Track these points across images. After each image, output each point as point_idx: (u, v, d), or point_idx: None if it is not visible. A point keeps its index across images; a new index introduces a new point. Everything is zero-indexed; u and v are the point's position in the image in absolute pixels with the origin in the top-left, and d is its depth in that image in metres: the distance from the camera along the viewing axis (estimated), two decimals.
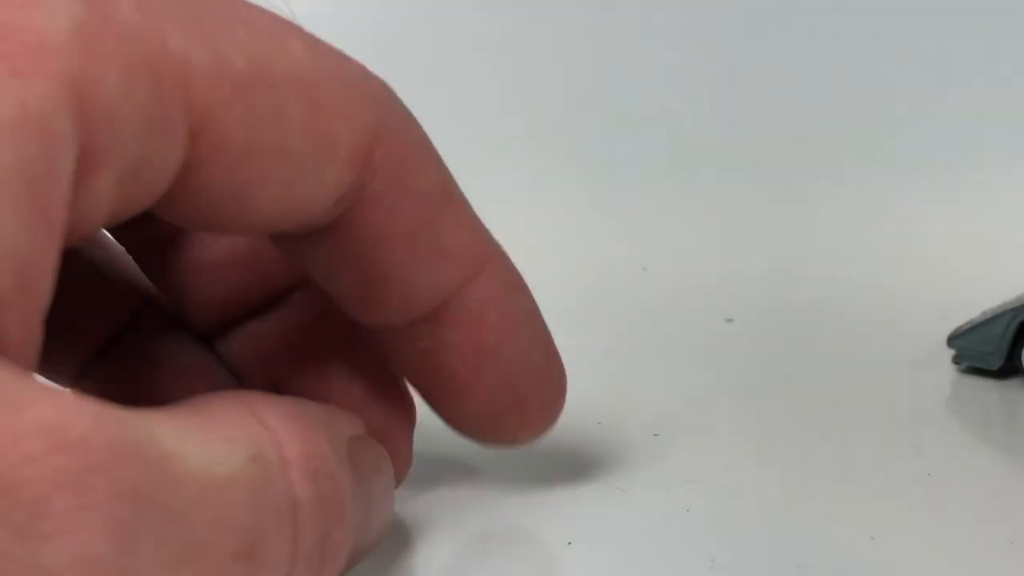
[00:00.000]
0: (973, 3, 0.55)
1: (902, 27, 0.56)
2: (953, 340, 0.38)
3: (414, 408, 0.29)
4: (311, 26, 0.24)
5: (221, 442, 0.19)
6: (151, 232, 0.27)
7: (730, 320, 0.47)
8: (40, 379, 0.19)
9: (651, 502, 0.29)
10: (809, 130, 0.55)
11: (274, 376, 0.28)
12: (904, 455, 0.32)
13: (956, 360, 0.39)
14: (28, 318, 0.17)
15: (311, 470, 0.20)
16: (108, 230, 0.28)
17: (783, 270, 0.53)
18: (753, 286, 0.51)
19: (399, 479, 0.28)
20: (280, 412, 0.21)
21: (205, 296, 0.28)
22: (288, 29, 0.23)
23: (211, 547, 0.18)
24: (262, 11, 0.22)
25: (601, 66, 0.57)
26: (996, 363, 0.37)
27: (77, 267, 0.27)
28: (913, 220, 0.54)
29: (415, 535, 0.28)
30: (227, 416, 0.20)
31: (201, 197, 0.21)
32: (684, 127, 0.55)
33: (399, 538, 0.28)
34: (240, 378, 0.29)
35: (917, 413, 0.36)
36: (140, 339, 0.28)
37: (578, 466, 0.31)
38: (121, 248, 0.28)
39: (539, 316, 0.28)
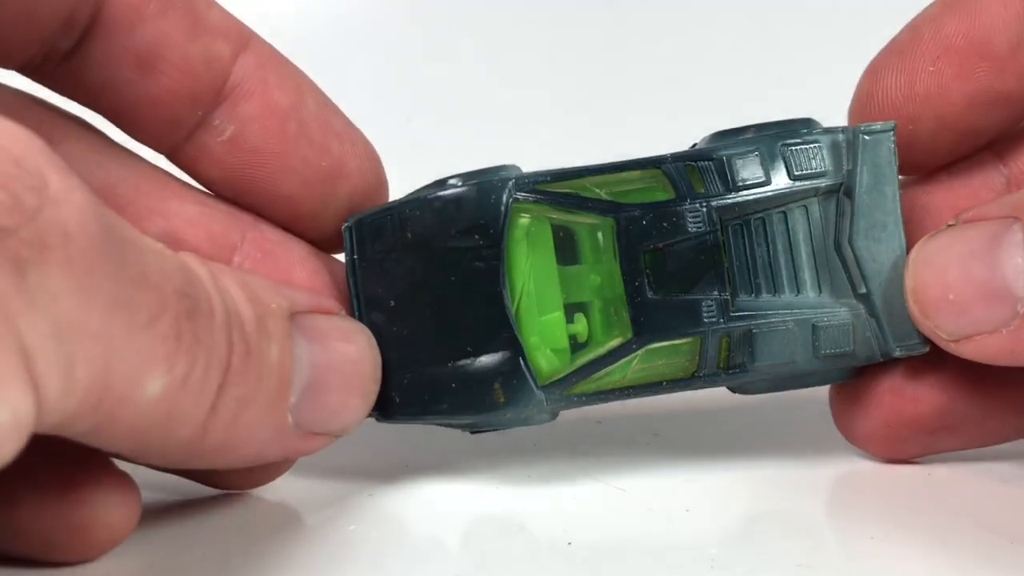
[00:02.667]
0: None
1: None
2: None
3: None
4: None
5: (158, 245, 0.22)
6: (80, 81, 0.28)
7: None
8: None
9: (651, 502, 0.29)
10: None
11: (239, 186, 0.29)
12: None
13: None
14: None
15: (230, 296, 0.23)
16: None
17: None
18: None
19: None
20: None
21: (147, 102, 0.28)
22: None
23: (157, 282, 0.21)
24: None
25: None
26: None
27: None
28: None
29: (415, 535, 0.28)
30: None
31: None
32: None
33: (399, 537, 0.28)
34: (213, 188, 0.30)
35: None
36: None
37: (578, 466, 0.31)
38: None
39: (320, 88, 0.30)
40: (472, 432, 0.29)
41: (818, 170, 0.29)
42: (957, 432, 0.30)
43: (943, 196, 0.31)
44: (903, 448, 0.30)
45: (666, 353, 0.29)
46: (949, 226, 0.27)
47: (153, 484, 0.29)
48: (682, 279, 0.29)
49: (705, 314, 0.28)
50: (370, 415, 0.28)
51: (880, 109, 0.30)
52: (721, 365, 0.29)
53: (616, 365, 0.28)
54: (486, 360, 0.28)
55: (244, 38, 0.28)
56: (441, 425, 0.30)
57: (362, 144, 0.30)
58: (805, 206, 0.29)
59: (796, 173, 0.29)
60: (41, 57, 0.27)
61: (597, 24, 0.58)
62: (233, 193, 0.29)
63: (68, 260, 0.19)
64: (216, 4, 0.28)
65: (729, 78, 0.55)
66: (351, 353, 0.27)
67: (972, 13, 0.29)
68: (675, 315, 0.28)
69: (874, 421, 0.30)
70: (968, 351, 0.27)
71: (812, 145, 0.29)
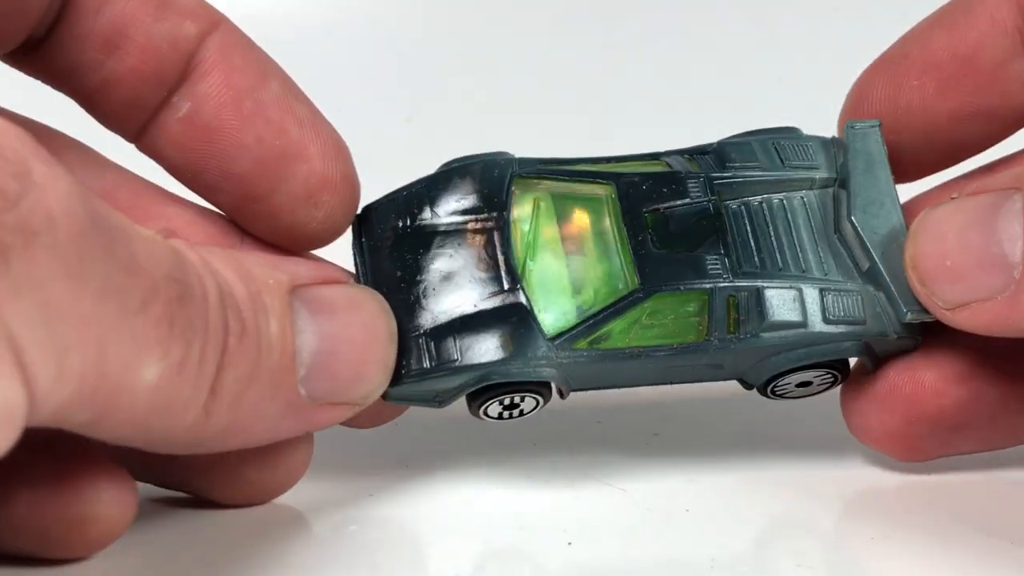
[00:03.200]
0: None
1: None
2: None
3: None
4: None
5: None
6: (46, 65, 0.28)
7: None
8: None
9: (651, 502, 0.29)
10: None
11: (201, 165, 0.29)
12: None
13: None
14: None
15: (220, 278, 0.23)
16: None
17: None
18: None
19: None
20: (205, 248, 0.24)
21: (114, 82, 0.28)
22: None
23: (147, 268, 0.21)
24: None
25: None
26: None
27: None
28: None
29: (415, 535, 0.28)
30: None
31: None
32: None
33: (399, 537, 0.28)
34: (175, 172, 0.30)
35: None
36: None
37: (578, 466, 0.31)
38: None
39: (291, 79, 0.29)
40: (476, 405, 0.29)
41: (810, 162, 0.30)
42: (975, 431, 0.29)
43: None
44: (921, 447, 0.30)
45: (673, 310, 0.28)
46: (952, 199, 0.27)
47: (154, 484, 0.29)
48: (685, 239, 0.29)
49: (711, 268, 0.29)
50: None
51: (865, 116, 0.30)
52: (731, 330, 0.28)
53: (624, 317, 0.28)
54: (493, 312, 0.28)
55: (213, 21, 0.28)
56: (438, 398, 0.29)
57: (328, 133, 0.29)
58: (803, 196, 0.30)
59: (789, 162, 0.30)
60: (23, 44, 0.27)
61: (598, 24, 0.58)
62: (189, 174, 0.29)
63: (55, 245, 0.19)
64: None
65: (731, 78, 0.55)
66: (361, 319, 0.27)
67: (960, 29, 0.29)
68: (681, 267, 0.29)
69: (894, 417, 0.29)
70: (963, 319, 0.26)
71: (803, 142, 0.30)
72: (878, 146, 0.29)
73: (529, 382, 0.28)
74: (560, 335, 0.28)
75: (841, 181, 0.30)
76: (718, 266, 0.29)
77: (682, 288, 0.28)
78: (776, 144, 0.30)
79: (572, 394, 0.29)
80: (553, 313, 0.28)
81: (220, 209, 0.30)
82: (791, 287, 0.29)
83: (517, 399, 0.29)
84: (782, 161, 0.30)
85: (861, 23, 0.55)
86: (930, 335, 0.29)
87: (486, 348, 0.28)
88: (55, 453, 0.25)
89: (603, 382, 0.29)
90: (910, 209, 0.29)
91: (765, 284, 0.29)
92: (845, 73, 0.32)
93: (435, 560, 0.27)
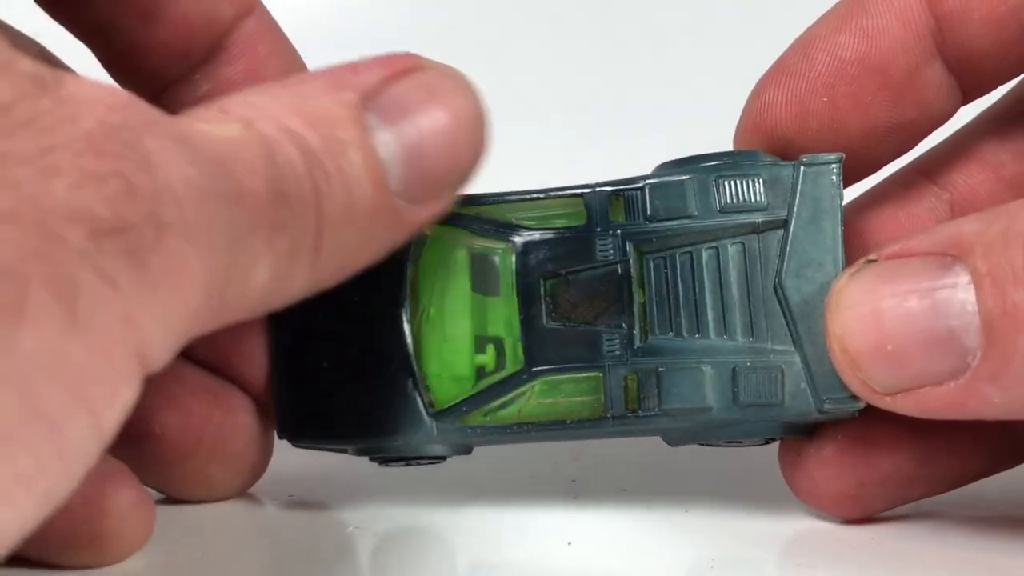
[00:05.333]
0: None
1: None
2: None
3: None
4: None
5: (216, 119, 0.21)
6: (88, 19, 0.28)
7: None
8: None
9: (651, 502, 0.29)
10: None
11: None
12: None
13: None
14: None
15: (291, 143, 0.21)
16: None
17: None
18: None
19: None
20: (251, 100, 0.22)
21: (152, 41, 0.28)
22: None
23: (252, 186, 0.19)
24: None
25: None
26: None
27: None
28: None
29: (415, 535, 0.28)
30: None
31: None
32: None
33: (399, 537, 0.28)
34: None
35: None
36: None
37: (579, 466, 0.31)
38: None
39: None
40: (378, 462, 0.28)
41: (752, 203, 0.27)
42: (928, 479, 0.28)
43: (888, 228, 0.29)
44: (874, 505, 0.28)
45: (567, 389, 0.27)
46: (869, 261, 0.24)
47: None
48: (584, 310, 0.27)
49: (606, 347, 0.27)
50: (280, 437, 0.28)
51: (769, 138, 0.28)
52: (630, 407, 0.27)
53: (509, 396, 0.27)
54: (379, 384, 0.27)
55: (248, 5, 0.28)
56: (344, 450, 0.29)
57: None
58: (742, 243, 0.27)
59: (724, 205, 0.27)
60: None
61: (598, 24, 0.58)
62: None
63: (185, 226, 0.18)
64: None
65: (728, 82, 0.55)
66: (443, 107, 0.24)
67: (868, 34, 0.27)
68: (571, 346, 0.27)
69: (846, 480, 0.27)
70: (906, 405, 0.24)
71: (750, 178, 0.27)
72: (831, 189, 0.26)
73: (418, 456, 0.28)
74: (447, 410, 0.27)
75: (785, 225, 0.27)
76: (615, 344, 0.27)
77: (570, 370, 0.27)
78: (717, 180, 0.27)
79: None
80: (445, 381, 0.27)
81: None
82: (696, 366, 0.26)
83: (412, 461, 0.28)
84: (720, 203, 0.27)
85: None
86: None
87: (371, 423, 0.27)
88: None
89: (499, 444, 0.28)
90: (852, 257, 0.26)
91: (666, 364, 0.26)
92: None
93: (435, 560, 0.27)
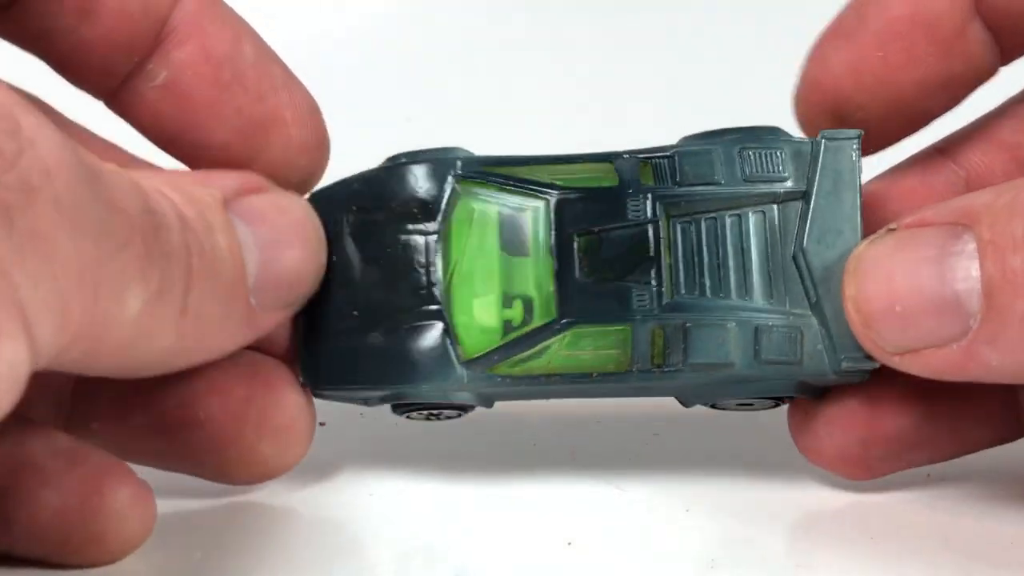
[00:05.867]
0: None
1: None
2: None
3: None
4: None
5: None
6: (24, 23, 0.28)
7: None
8: None
9: (651, 502, 0.29)
10: None
11: (173, 129, 0.29)
12: None
13: None
14: None
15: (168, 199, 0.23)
16: None
17: None
18: None
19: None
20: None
21: (92, 45, 0.28)
22: None
23: (126, 205, 0.21)
24: None
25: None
26: None
27: None
28: None
29: (414, 535, 0.28)
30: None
31: None
32: None
33: (399, 537, 0.28)
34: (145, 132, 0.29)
35: None
36: None
37: (578, 466, 0.31)
38: None
39: (261, 38, 0.29)
40: (399, 412, 0.29)
41: (775, 174, 0.28)
42: (930, 445, 0.29)
43: (908, 201, 0.30)
44: (876, 466, 0.29)
45: (594, 341, 0.28)
46: (890, 230, 0.26)
47: (153, 485, 0.29)
48: (616, 266, 0.28)
49: (636, 302, 0.28)
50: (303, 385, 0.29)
51: (827, 95, 0.29)
52: (656, 361, 0.27)
53: (539, 347, 0.28)
54: (409, 331, 0.28)
55: None
56: (365, 401, 0.29)
57: (301, 94, 0.29)
58: (763, 211, 0.28)
59: (749, 174, 0.28)
60: None
61: (598, 25, 0.58)
62: (166, 140, 0.29)
63: (55, 197, 0.19)
64: None
65: (728, 75, 0.55)
66: (292, 224, 0.27)
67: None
68: (602, 299, 0.28)
69: (849, 439, 0.28)
70: (913, 365, 0.25)
71: (773, 150, 0.28)
72: (851, 163, 0.28)
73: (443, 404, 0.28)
74: (477, 359, 0.28)
75: (807, 196, 0.28)
76: (645, 299, 0.28)
77: (601, 322, 0.27)
78: (742, 152, 0.28)
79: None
80: (474, 332, 0.28)
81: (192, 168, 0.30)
82: (722, 324, 0.27)
83: (436, 413, 0.29)
84: (744, 173, 0.28)
85: None
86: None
87: (401, 369, 0.28)
88: (83, 466, 0.25)
89: (524, 399, 0.29)
90: (871, 229, 0.27)
91: (693, 320, 0.27)
92: None
93: (435, 560, 0.27)
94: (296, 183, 0.29)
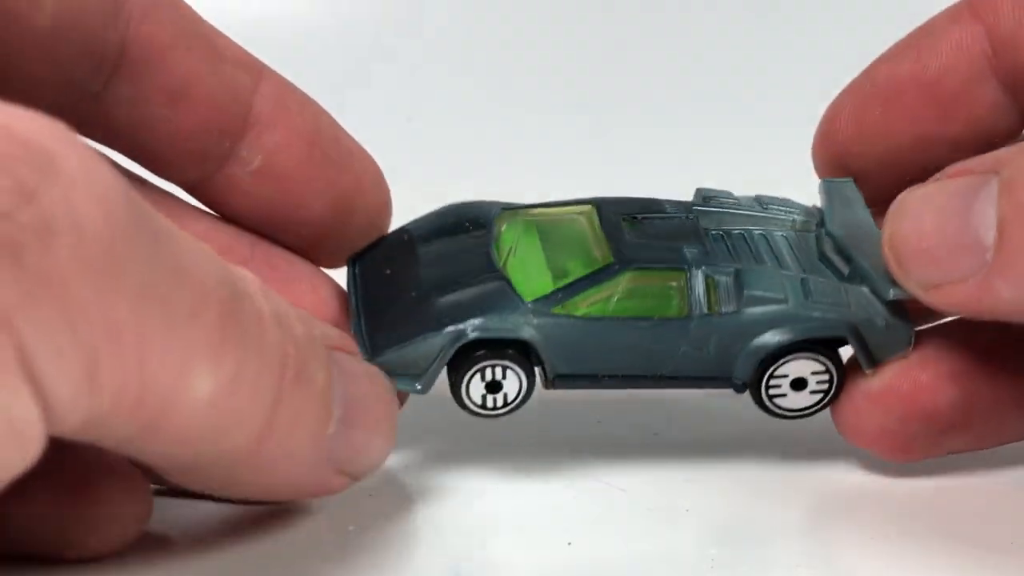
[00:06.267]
0: None
1: None
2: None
3: None
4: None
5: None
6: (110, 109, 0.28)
7: None
8: None
9: (651, 502, 0.29)
10: None
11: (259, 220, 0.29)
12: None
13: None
14: None
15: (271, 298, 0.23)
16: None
17: None
18: None
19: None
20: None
21: (177, 136, 0.28)
22: None
23: (198, 273, 0.20)
24: None
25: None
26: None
27: None
28: None
29: (415, 535, 0.28)
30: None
31: None
32: None
33: (399, 537, 0.28)
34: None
35: None
36: None
37: (578, 466, 0.31)
38: None
39: (326, 110, 0.30)
40: (455, 377, 0.29)
41: (790, 209, 0.31)
42: (967, 430, 0.29)
43: None
44: (914, 447, 0.29)
45: (651, 285, 0.29)
46: (934, 180, 0.27)
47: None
48: (664, 236, 0.30)
49: (688, 253, 0.29)
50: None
51: (834, 145, 0.31)
52: (712, 308, 0.29)
53: (600, 287, 0.29)
54: (473, 285, 0.29)
55: (259, 68, 0.29)
56: (426, 365, 0.28)
57: (370, 159, 0.30)
58: (783, 235, 0.31)
59: (767, 206, 0.31)
60: (71, 99, 0.27)
61: (599, 23, 0.58)
62: (261, 221, 0.29)
63: (80, 245, 0.18)
64: (228, 37, 0.28)
65: (729, 88, 0.55)
66: (378, 393, 0.26)
67: (925, 55, 0.29)
68: (656, 250, 0.29)
69: (889, 416, 0.29)
70: (937, 299, 0.27)
71: (785, 200, 0.32)
72: (855, 192, 0.30)
73: (507, 342, 0.28)
74: (540, 299, 0.28)
75: (820, 222, 0.30)
76: (696, 251, 0.29)
77: (658, 265, 0.29)
78: (758, 197, 0.32)
79: (572, 394, 0.29)
80: (531, 285, 0.29)
81: (283, 243, 0.30)
82: (771, 268, 0.29)
83: (499, 374, 0.29)
84: (762, 206, 0.31)
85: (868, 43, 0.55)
86: (924, 336, 0.29)
87: (462, 311, 0.28)
88: (74, 455, 0.25)
89: (585, 364, 0.29)
90: None
91: (745, 267, 0.29)
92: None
93: (435, 560, 0.27)
94: (365, 238, 0.30)
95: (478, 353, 0.28)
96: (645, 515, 0.29)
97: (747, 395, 0.30)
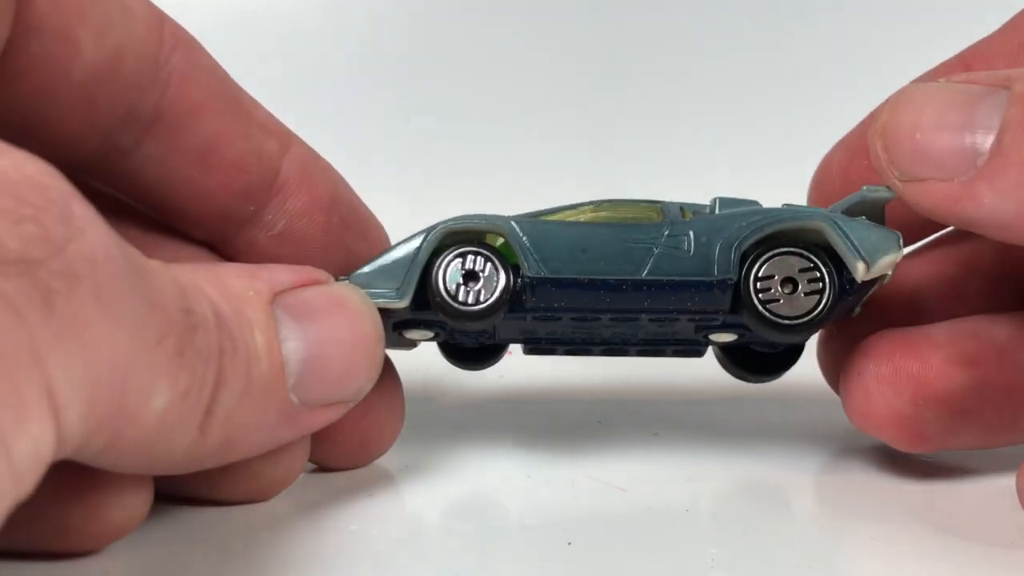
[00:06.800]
0: None
1: None
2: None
3: None
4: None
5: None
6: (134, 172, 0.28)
7: None
8: None
9: (651, 502, 0.29)
10: None
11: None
12: (907, 456, 0.32)
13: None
14: None
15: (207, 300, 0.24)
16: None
17: None
18: None
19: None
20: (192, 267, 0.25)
21: (202, 194, 0.28)
22: None
23: (165, 302, 0.21)
24: None
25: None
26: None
27: None
28: None
29: (415, 535, 0.28)
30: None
31: (33, 38, 0.24)
32: None
33: (399, 537, 0.28)
34: None
35: None
36: None
37: (578, 466, 0.31)
38: None
39: (343, 177, 0.31)
40: (436, 262, 0.29)
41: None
42: (980, 420, 0.29)
43: None
44: (926, 434, 0.29)
45: (629, 211, 0.29)
46: (942, 81, 0.27)
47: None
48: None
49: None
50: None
51: (826, 191, 0.33)
52: (687, 216, 0.29)
53: (578, 208, 0.30)
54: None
55: (287, 135, 0.29)
56: (404, 270, 0.29)
57: (381, 226, 0.31)
58: None
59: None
60: (101, 153, 0.27)
61: (599, 22, 0.58)
62: None
63: (97, 288, 0.19)
64: (259, 103, 0.29)
65: (733, 81, 0.55)
66: (345, 319, 0.27)
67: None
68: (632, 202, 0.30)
69: (900, 398, 0.29)
70: (913, 193, 0.27)
71: None
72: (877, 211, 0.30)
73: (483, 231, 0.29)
74: (517, 216, 0.29)
75: None
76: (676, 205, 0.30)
77: (633, 201, 0.30)
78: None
79: (572, 395, 0.29)
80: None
81: None
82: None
83: (479, 265, 0.28)
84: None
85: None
86: (935, 323, 0.29)
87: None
88: None
89: (561, 264, 0.28)
90: None
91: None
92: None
93: (435, 560, 0.27)
94: None
95: (458, 245, 0.28)
96: (645, 515, 0.29)
97: (747, 395, 0.30)
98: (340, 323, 0.26)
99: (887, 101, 0.28)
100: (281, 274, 0.26)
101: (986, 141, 0.26)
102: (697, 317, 0.29)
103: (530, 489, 0.30)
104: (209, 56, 0.28)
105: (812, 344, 0.32)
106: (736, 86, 0.57)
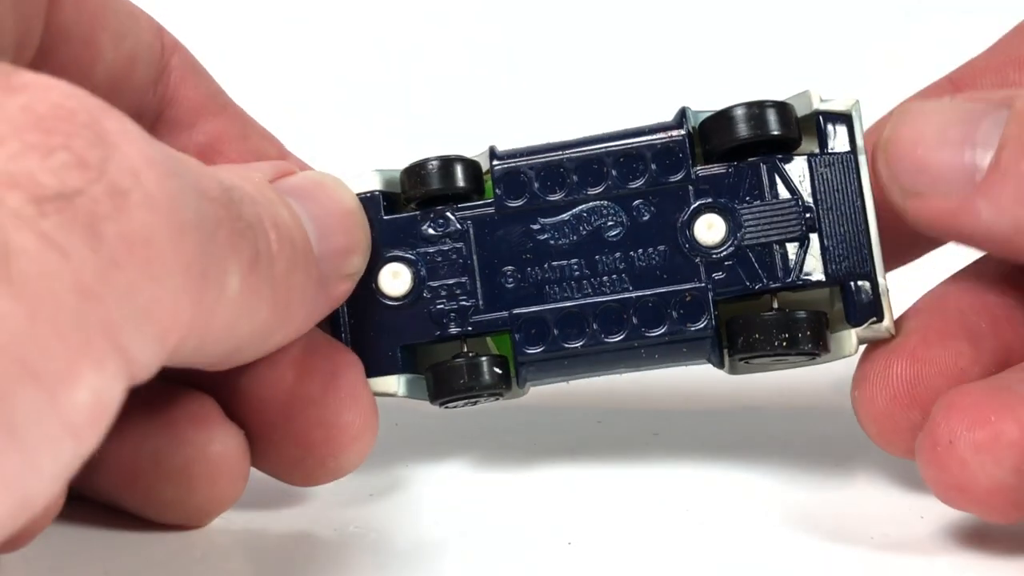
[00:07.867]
0: None
1: None
2: None
3: None
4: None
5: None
6: None
7: None
8: None
9: (651, 502, 0.29)
10: None
11: None
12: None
13: None
14: None
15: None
16: None
17: None
18: None
19: None
20: None
21: None
22: None
23: (209, 186, 0.21)
24: None
25: None
26: None
27: None
28: None
29: (415, 535, 0.28)
30: None
31: (60, 43, 0.25)
32: None
33: (399, 537, 0.28)
34: None
35: None
36: None
37: (578, 465, 0.31)
38: None
39: None
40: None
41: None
42: None
43: None
44: None
45: None
46: (943, 98, 0.28)
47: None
48: None
49: None
50: None
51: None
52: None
53: None
54: None
55: (281, 145, 0.30)
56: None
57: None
58: None
59: None
60: None
61: (598, 22, 0.58)
62: None
63: (146, 196, 0.18)
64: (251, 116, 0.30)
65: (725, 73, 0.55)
66: (332, 195, 0.27)
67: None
68: None
69: (1000, 469, 0.25)
70: (915, 209, 0.27)
71: None
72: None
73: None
74: None
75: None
76: None
77: None
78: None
79: (572, 395, 0.29)
80: None
81: None
82: None
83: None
84: None
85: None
86: (985, 344, 0.27)
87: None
88: (173, 403, 0.26)
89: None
90: None
91: None
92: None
93: (435, 560, 0.27)
94: None
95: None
96: (645, 515, 0.29)
97: (747, 395, 0.30)
98: (326, 200, 0.27)
99: (890, 115, 0.28)
100: (265, 166, 0.27)
101: (985, 158, 0.26)
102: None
103: (530, 489, 0.30)
104: (199, 61, 0.29)
105: (826, 369, 0.31)
106: (737, 87, 0.57)
